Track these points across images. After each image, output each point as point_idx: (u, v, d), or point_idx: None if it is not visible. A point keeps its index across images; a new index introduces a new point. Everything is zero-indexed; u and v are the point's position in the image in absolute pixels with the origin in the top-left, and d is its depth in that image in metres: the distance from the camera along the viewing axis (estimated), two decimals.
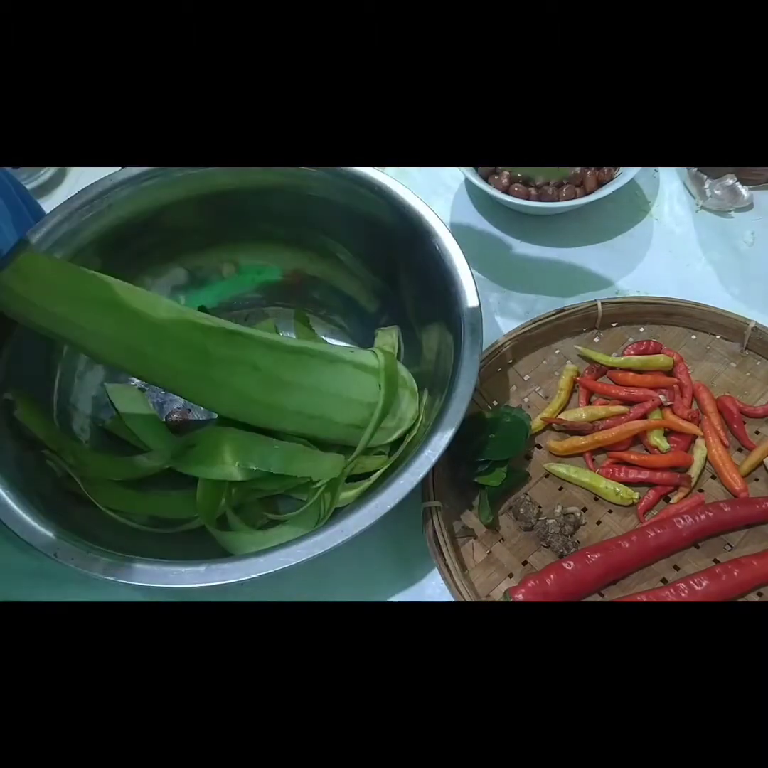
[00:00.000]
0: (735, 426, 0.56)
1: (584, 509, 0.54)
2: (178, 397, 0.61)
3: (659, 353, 0.60)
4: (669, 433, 0.56)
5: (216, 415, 0.58)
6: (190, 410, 0.61)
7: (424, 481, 0.46)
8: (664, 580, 0.50)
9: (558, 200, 0.68)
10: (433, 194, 0.74)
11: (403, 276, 0.59)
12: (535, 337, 0.61)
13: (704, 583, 0.47)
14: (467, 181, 0.73)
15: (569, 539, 0.52)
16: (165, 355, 0.48)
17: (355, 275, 0.62)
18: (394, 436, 0.54)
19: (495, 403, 0.59)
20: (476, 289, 0.52)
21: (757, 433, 0.56)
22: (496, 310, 0.66)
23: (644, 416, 0.56)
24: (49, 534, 0.45)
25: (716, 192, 0.70)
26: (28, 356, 0.54)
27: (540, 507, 0.54)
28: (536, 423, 0.57)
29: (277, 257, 0.64)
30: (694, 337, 0.61)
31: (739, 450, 0.55)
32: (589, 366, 0.60)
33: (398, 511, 0.44)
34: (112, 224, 0.58)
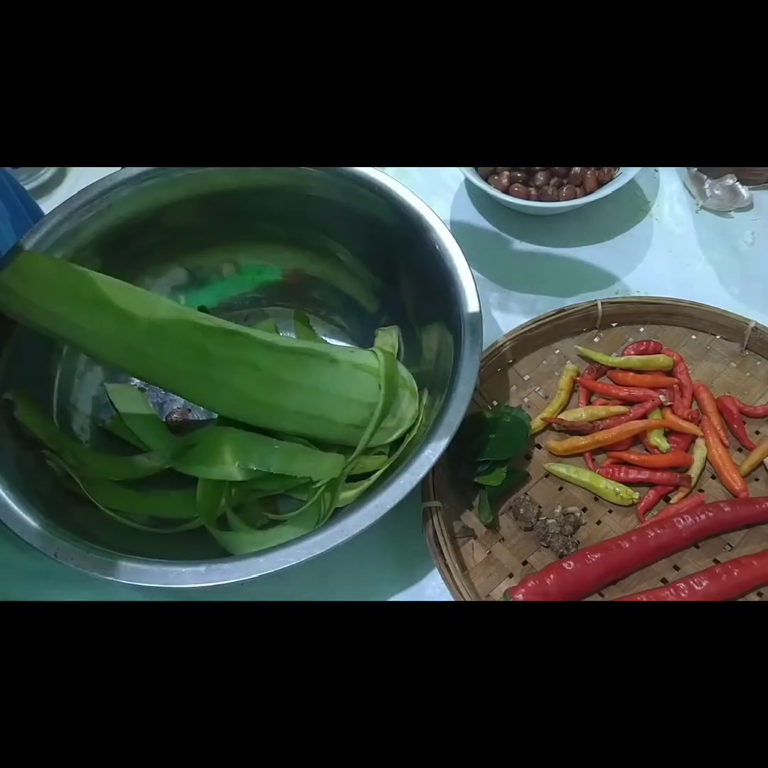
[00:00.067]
0: (735, 426, 0.56)
1: (584, 509, 0.54)
2: (178, 397, 0.61)
3: (659, 353, 0.60)
4: (669, 433, 0.56)
5: (216, 415, 0.58)
6: (190, 410, 0.61)
7: (424, 481, 0.46)
8: (664, 580, 0.50)
9: (558, 200, 0.68)
10: (433, 194, 0.74)
11: (403, 276, 0.59)
12: (535, 337, 0.61)
13: (704, 583, 0.47)
14: (467, 181, 0.73)
15: (569, 539, 0.52)
16: (165, 355, 0.48)
17: (355, 275, 0.62)
18: (394, 436, 0.54)
19: (495, 403, 0.59)
20: (476, 289, 0.52)
21: (757, 433, 0.56)
22: (496, 310, 0.66)
23: (644, 416, 0.56)
24: (49, 534, 0.45)
25: (716, 192, 0.70)
26: (28, 356, 0.54)
27: (540, 507, 0.54)
28: (536, 423, 0.57)
29: (277, 257, 0.64)
30: (694, 337, 0.61)
31: (739, 450, 0.55)
32: (589, 366, 0.60)
33: (398, 511, 0.44)
34: (112, 224, 0.58)
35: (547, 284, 0.68)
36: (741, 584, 0.48)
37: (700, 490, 0.54)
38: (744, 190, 0.70)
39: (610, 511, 0.54)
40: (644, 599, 0.48)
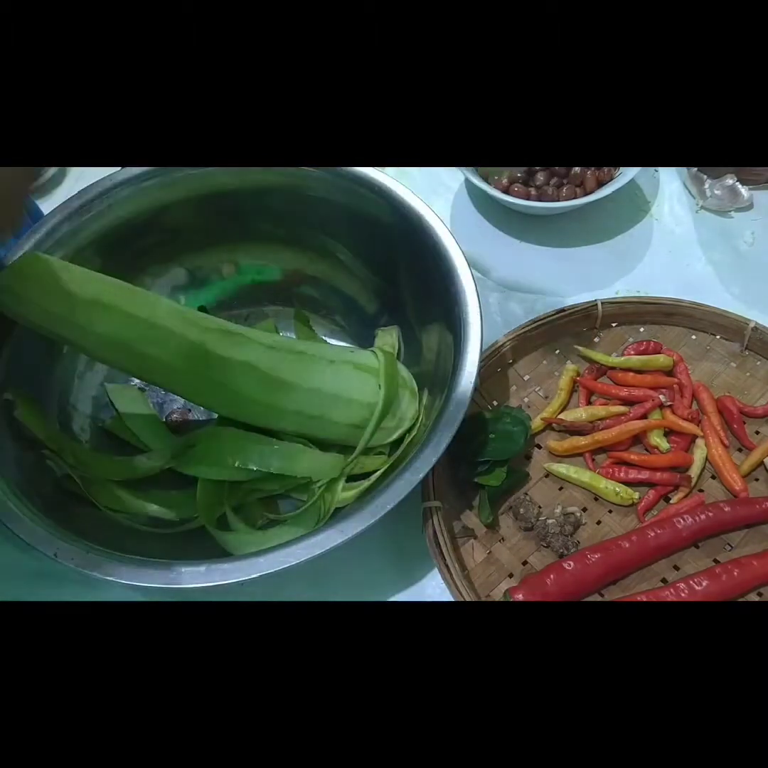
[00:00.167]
0: (735, 426, 0.56)
1: (584, 509, 0.54)
2: (178, 397, 0.61)
3: (659, 353, 0.60)
4: (669, 433, 0.56)
5: (216, 415, 0.58)
6: (190, 410, 0.61)
7: (424, 481, 0.46)
8: (664, 580, 0.50)
9: (558, 200, 0.68)
10: (433, 194, 0.74)
11: (403, 276, 0.59)
12: (535, 337, 0.61)
13: (704, 583, 0.47)
14: (467, 181, 0.73)
15: (569, 539, 0.52)
16: (165, 355, 0.48)
17: (355, 275, 0.62)
18: (394, 436, 0.54)
19: (495, 403, 0.59)
20: (476, 289, 0.52)
21: (757, 433, 0.56)
22: (496, 310, 0.66)
23: (644, 416, 0.56)
24: (49, 534, 0.45)
25: (716, 192, 0.70)
26: (28, 356, 0.54)
27: (540, 507, 0.54)
28: (536, 423, 0.57)
29: (277, 257, 0.64)
30: (694, 337, 0.61)
31: (739, 450, 0.55)
32: (589, 366, 0.60)
33: (398, 511, 0.44)
34: (112, 224, 0.58)
35: (547, 284, 0.68)
36: (741, 584, 0.48)
37: (700, 490, 0.54)
38: (744, 190, 0.70)
39: (610, 511, 0.54)
40: (644, 599, 0.48)
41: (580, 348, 0.61)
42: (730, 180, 0.70)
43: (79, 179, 0.68)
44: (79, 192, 0.57)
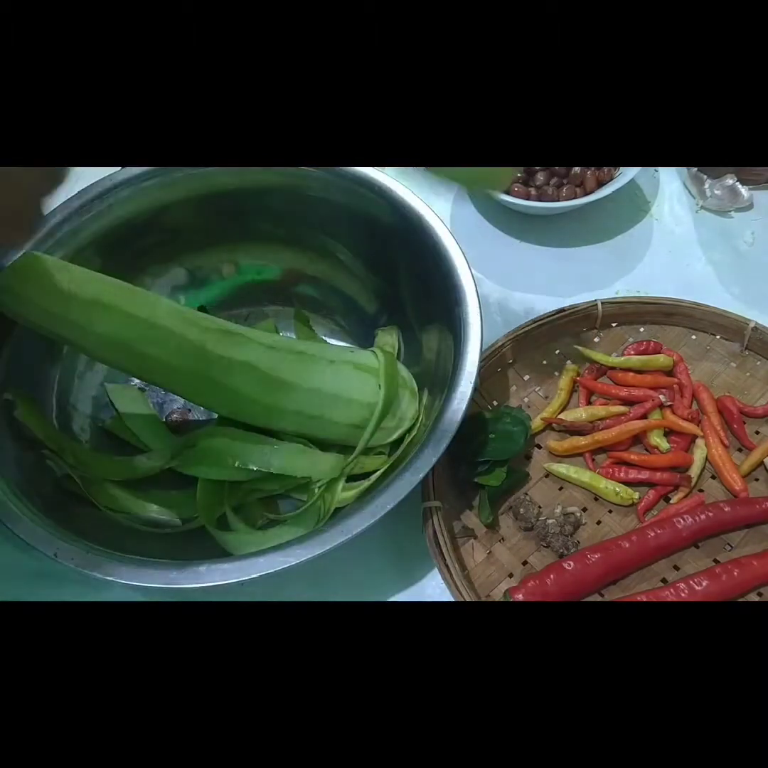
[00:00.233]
0: (735, 426, 0.56)
1: (584, 509, 0.54)
2: (178, 397, 0.60)
3: (659, 353, 0.60)
4: (669, 433, 0.56)
5: (216, 415, 0.58)
6: (190, 410, 0.61)
7: (424, 481, 0.46)
8: (664, 580, 0.50)
9: (558, 200, 0.68)
10: (433, 194, 0.74)
11: (403, 276, 0.59)
12: (535, 337, 0.61)
13: (704, 583, 0.47)
14: None
15: (569, 539, 0.52)
16: (165, 356, 0.48)
17: (355, 275, 0.62)
18: (394, 436, 0.54)
19: (495, 403, 0.59)
20: (476, 289, 0.52)
21: (757, 433, 0.56)
22: (496, 310, 0.66)
23: (644, 416, 0.56)
24: (49, 534, 0.45)
25: (716, 192, 0.70)
26: (28, 356, 0.54)
27: (540, 507, 0.54)
28: (536, 423, 0.57)
29: (277, 257, 0.64)
30: (694, 337, 0.61)
31: (739, 450, 0.55)
32: (589, 366, 0.60)
33: (398, 511, 0.44)
34: (112, 224, 0.58)
35: (547, 284, 0.68)
36: (741, 584, 0.48)
37: (700, 490, 0.54)
38: (744, 190, 0.70)
39: (610, 511, 0.54)
40: (644, 599, 0.48)
41: (580, 348, 0.61)
42: (730, 180, 0.70)
43: (79, 179, 0.68)
44: (79, 192, 0.57)
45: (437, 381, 0.52)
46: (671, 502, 0.54)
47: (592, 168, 0.68)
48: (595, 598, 0.50)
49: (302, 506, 0.53)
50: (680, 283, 0.66)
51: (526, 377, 0.61)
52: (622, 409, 0.57)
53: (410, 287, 0.59)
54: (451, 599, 0.48)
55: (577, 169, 0.68)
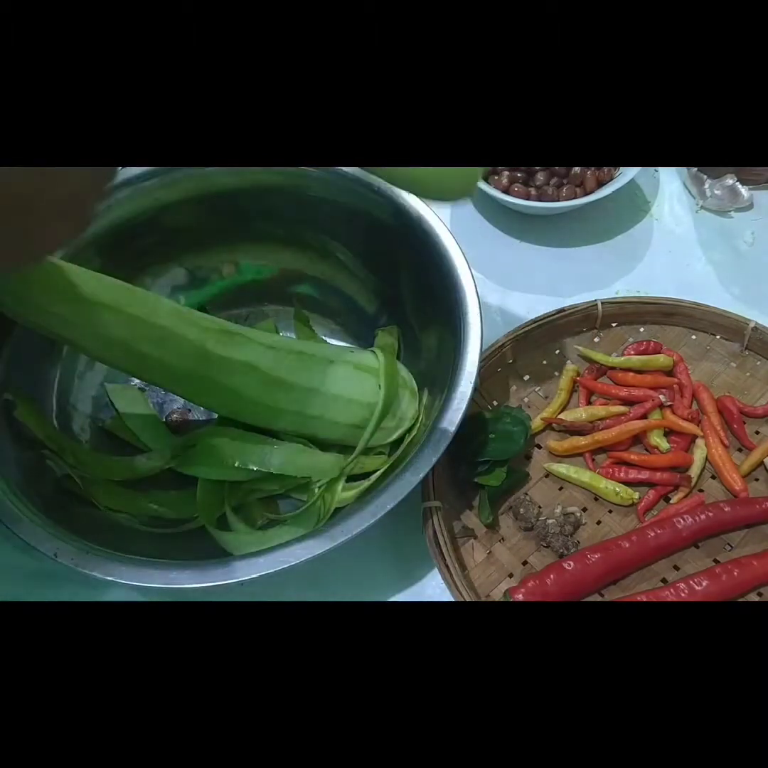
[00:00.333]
0: (735, 426, 0.56)
1: (584, 509, 0.54)
2: (178, 397, 0.60)
3: (659, 353, 0.60)
4: (669, 433, 0.56)
5: (216, 415, 0.58)
6: (190, 410, 0.61)
7: (424, 481, 0.46)
8: (664, 580, 0.50)
9: (558, 200, 0.68)
10: None
11: (403, 276, 0.59)
12: (535, 337, 0.61)
13: (704, 583, 0.47)
14: None
15: (569, 539, 0.52)
16: (165, 356, 0.48)
17: (355, 275, 0.62)
18: (394, 436, 0.54)
19: (495, 403, 0.59)
20: (476, 289, 0.52)
21: (757, 433, 0.56)
22: (496, 310, 0.66)
23: (644, 416, 0.56)
24: (49, 534, 0.45)
25: (716, 192, 0.70)
26: (28, 356, 0.54)
27: (540, 507, 0.54)
28: (536, 423, 0.57)
29: (277, 257, 0.64)
30: (694, 337, 0.61)
31: (739, 450, 0.55)
32: (589, 366, 0.60)
33: (398, 511, 0.44)
34: (111, 224, 0.58)
35: (547, 284, 0.68)
36: (741, 584, 0.48)
37: (700, 490, 0.54)
38: (744, 190, 0.70)
39: (610, 511, 0.54)
40: (644, 599, 0.48)
41: (580, 348, 0.61)
42: (730, 180, 0.70)
43: None
44: None
45: (437, 381, 0.52)
46: (671, 502, 0.54)
47: (592, 168, 0.68)
48: (595, 598, 0.50)
49: (302, 506, 0.53)
50: (680, 283, 0.66)
51: (526, 377, 0.61)
52: (622, 409, 0.57)
53: (410, 287, 0.59)
54: (451, 599, 0.48)
55: (577, 169, 0.68)
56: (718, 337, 0.61)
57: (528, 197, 0.68)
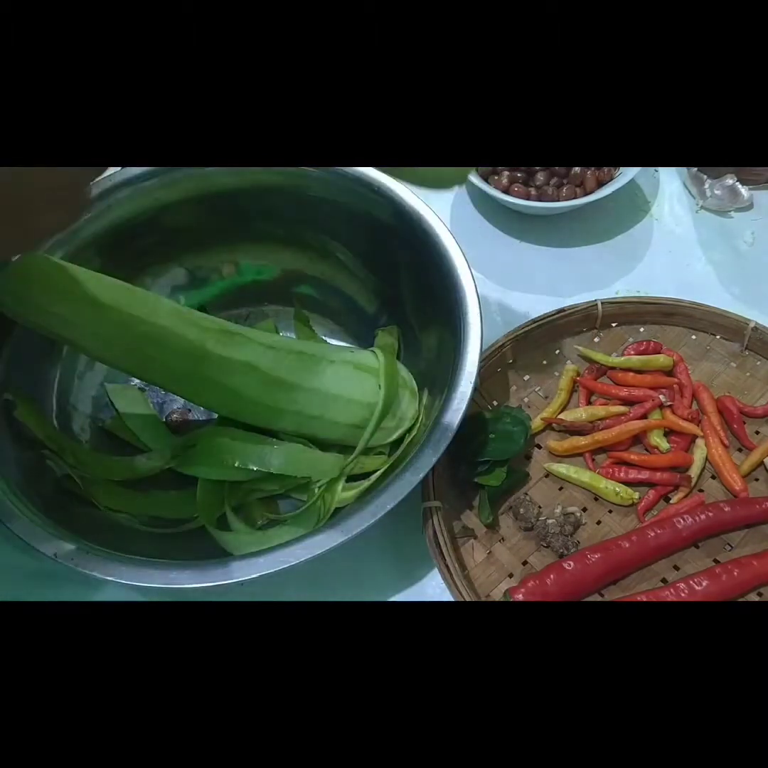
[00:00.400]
0: (735, 426, 0.56)
1: (584, 509, 0.54)
2: (178, 397, 0.60)
3: (659, 353, 0.60)
4: (669, 433, 0.56)
5: (216, 415, 0.58)
6: (190, 410, 0.61)
7: (424, 481, 0.46)
8: (664, 580, 0.50)
9: (558, 200, 0.68)
10: (433, 194, 0.74)
11: (403, 276, 0.59)
12: (535, 337, 0.61)
13: (704, 583, 0.47)
14: (467, 181, 0.73)
15: (569, 539, 0.52)
16: (165, 356, 0.48)
17: (355, 275, 0.62)
18: (394, 436, 0.54)
19: (495, 403, 0.59)
20: (476, 289, 0.52)
21: (757, 433, 0.56)
22: (496, 310, 0.66)
23: (644, 416, 0.56)
24: (49, 534, 0.45)
25: (716, 192, 0.70)
26: (28, 356, 0.54)
27: (540, 507, 0.54)
28: (536, 423, 0.57)
29: (277, 257, 0.64)
30: (694, 337, 0.61)
31: (739, 450, 0.55)
32: (589, 366, 0.60)
33: (398, 511, 0.44)
34: (111, 224, 0.58)
35: (548, 284, 0.68)
36: (741, 584, 0.48)
37: (700, 490, 0.54)
38: (744, 190, 0.70)
39: (610, 511, 0.54)
40: (644, 599, 0.48)
41: (580, 348, 0.61)
42: (730, 180, 0.70)
43: None
44: None
45: (437, 381, 0.52)
46: (671, 502, 0.54)
47: (592, 168, 0.68)
48: (595, 598, 0.50)
49: (302, 506, 0.53)
50: (680, 283, 0.66)
51: (526, 377, 0.61)
52: (622, 409, 0.57)
53: (410, 287, 0.59)
54: (451, 599, 0.48)
55: (577, 169, 0.68)
56: (718, 337, 0.61)
57: (528, 197, 0.68)
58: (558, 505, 0.53)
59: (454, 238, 0.54)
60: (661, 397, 0.57)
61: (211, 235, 0.63)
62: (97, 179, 0.57)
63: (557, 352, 0.62)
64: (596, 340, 0.62)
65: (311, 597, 0.50)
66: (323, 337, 0.64)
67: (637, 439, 0.56)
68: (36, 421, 0.53)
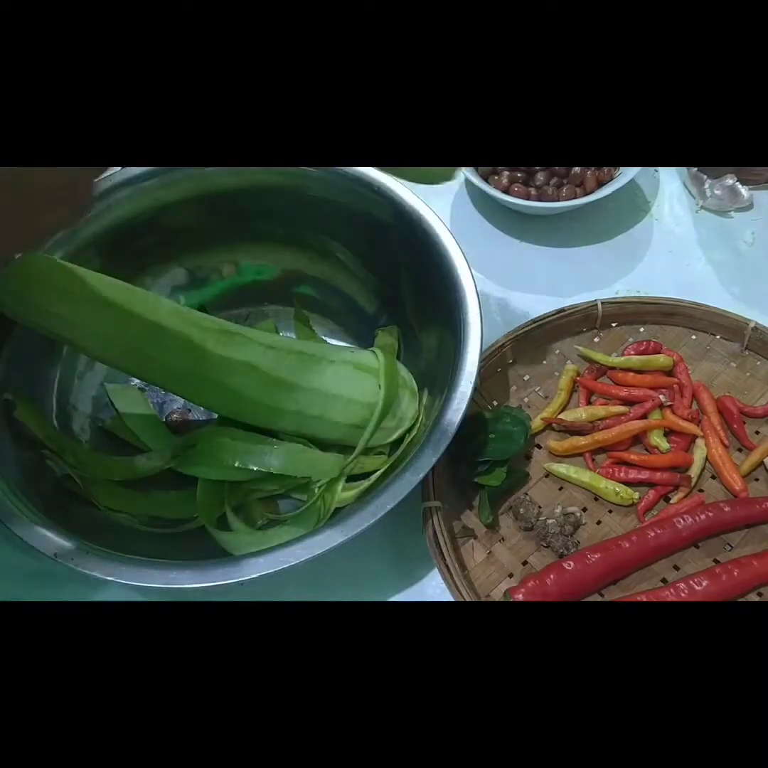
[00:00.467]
0: (735, 426, 0.56)
1: (584, 509, 0.54)
2: (178, 397, 0.61)
3: (659, 353, 0.60)
4: (669, 433, 0.56)
5: (216, 415, 0.58)
6: (190, 410, 0.61)
7: (424, 481, 0.46)
8: (664, 580, 0.50)
9: (558, 200, 0.68)
10: (433, 194, 0.74)
11: (403, 276, 0.59)
12: (535, 337, 0.61)
13: (704, 583, 0.47)
14: (467, 181, 0.73)
15: (569, 539, 0.52)
16: (165, 356, 0.48)
17: (355, 275, 0.62)
18: (394, 436, 0.54)
19: (495, 403, 0.59)
20: (476, 289, 0.52)
21: (757, 433, 0.56)
22: (496, 310, 0.66)
23: (644, 416, 0.56)
24: (49, 534, 0.45)
25: (716, 192, 0.70)
26: (28, 356, 0.54)
27: (540, 507, 0.54)
28: (536, 423, 0.57)
29: (277, 257, 0.64)
30: (694, 337, 0.61)
31: (739, 450, 0.55)
32: (589, 366, 0.60)
33: (398, 511, 0.44)
34: (111, 224, 0.58)
35: (547, 284, 0.68)
36: (741, 584, 0.48)
37: (700, 490, 0.54)
38: (744, 190, 0.70)
39: (610, 511, 0.54)
40: (644, 599, 0.48)
41: (580, 348, 0.61)
42: (730, 180, 0.70)
43: None
44: None
45: (437, 381, 0.52)
46: (671, 502, 0.54)
47: (592, 168, 0.68)
48: (595, 598, 0.50)
49: (302, 506, 0.53)
50: (680, 283, 0.66)
51: (526, 377, 0.61)
52: (622, 409, 0.57)
53: (410, 287, 0.59)
54: (451, 599, 0.48)
55: (577, 169, 0.68)
56: (718, 337, 0.61)
57: (528, 197, 0.68)
58: (558, 505, 0.53)
59: (454, 237, 0.54)
60: (661, 397, 0.57)
61: (211, 235, 0.63)
62: (97, 179, 0.57)
63: (557, 352, 0.62)
64: (596, 340, 0.62)
65: (311, 597, 0.50)
66: (323, 337, 0.64)
67: (637, 439, 0.56)
68: (36, 421, 0.53)
